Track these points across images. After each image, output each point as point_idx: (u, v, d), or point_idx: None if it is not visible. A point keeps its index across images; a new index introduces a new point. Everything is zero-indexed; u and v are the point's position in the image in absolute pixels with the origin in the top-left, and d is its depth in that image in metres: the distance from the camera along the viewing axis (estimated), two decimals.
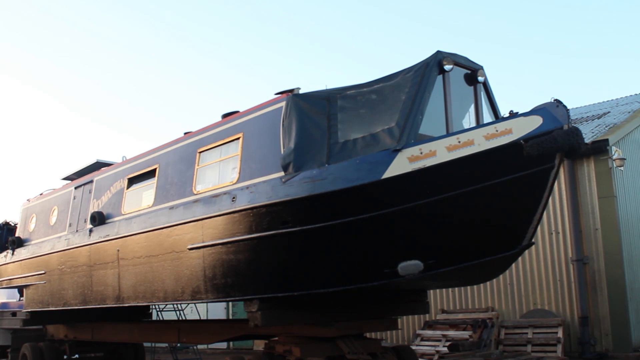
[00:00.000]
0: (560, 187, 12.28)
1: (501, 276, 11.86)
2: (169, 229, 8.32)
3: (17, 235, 13.29)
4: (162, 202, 8.79)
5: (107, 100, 50.26)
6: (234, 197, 7.33)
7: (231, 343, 16.58)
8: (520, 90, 48.91)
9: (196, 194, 8.16)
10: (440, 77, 6.84)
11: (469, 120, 7.28)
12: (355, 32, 51.83)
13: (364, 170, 6.22)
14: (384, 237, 6.30)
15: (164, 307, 13.10)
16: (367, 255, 6.49)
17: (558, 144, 5.59)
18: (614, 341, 11.61)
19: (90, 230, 10.29)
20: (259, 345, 13.51)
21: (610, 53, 48.07)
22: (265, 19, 50.27)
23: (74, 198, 11.48)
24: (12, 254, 12.92)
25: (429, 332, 12.99)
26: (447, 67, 6.82)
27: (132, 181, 9.97)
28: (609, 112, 15.75)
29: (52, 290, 11.29)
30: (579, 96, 54.58)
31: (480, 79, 7.31)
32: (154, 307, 12.85)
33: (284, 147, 7.02)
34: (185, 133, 9.26)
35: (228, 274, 7.37)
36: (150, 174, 9.42)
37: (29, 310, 12.17)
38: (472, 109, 7.34)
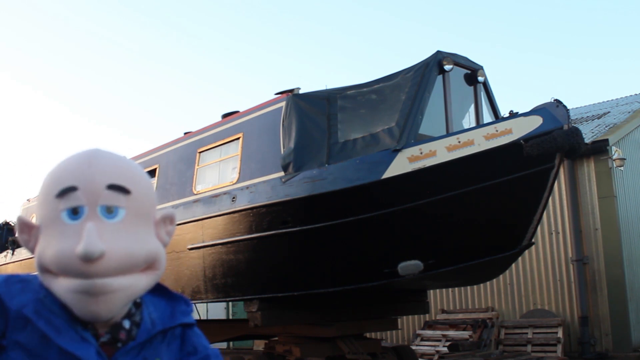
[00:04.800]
0: (560, 187, 12.27)
1: (501, 276, 11.85)
2: None
3: (17, 235, 13.30)
4: (162, 202, 8.79)
5: (107, 101, 50.29)
6: (234, 197, 7.34)
7: (231, 343, 16.58)
8: (520, 90, 48.91)
9: (196, 194, 8.16)
10: (440, 77, 6.84)
11: (469, 120, 7.28)
12: (355, 32, 51.85)
13: (364, 170, 6.23)
14: (383, 237, 6.30)
15: None
16: (367, 255, 6.49)
17: (558, 144, 5.59)
18: (614, 341, 11.61)
19: None
20: (259, 345, 13.51)
21: (611, 54, 48.08)
22: (265, 19, 50.28)
23: None
24: (12, 254, 12.93)
25: (429, 332, 12.98)
26: (447, 67, 6.82)
27: None
28: (609, 112, 15.74)
29: None
30: (579, 96, 54.59)
31: (480, 79, 7.31)
32: None
33: (284, 147, 7.02)
34: (185, 133, 9.27)
35: (228, 274, 7.38)
36: (150, 173, 9.42)
37: None
38: (472, 109, 7.34)
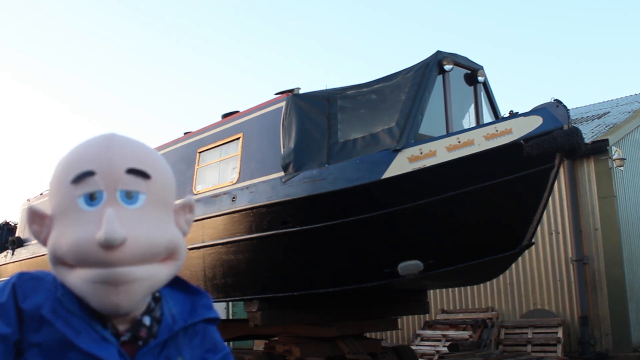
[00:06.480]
0: (560, 187, 12.27)
1: (501, 276, 11.85)
2: None
3: (17, 235, 13.29)
4: None
5: (107, 101, 50.29)
6: (234, 197, 7.34)
7: (231, 343, 16.59)
8: (520, 90, 48.90)
9: (196, 194, 8.16)
10: (440, 77, 6.84)
11: (469, 120, 7.28)
12: (355, 32, 51.85)
13: (364, 170, 6.22)
14: (384, 237, 6.30)
15: None
16: (367, 255, 6.49)
17: (558, 144, 5.59)
18: (614, 341, 11.61)
19: None
20: (259, 345, 13.51)
21: (611, 54, 48.09)
22: (265, 19, 50.28)
23: None
24: (12, 254, 12.92)
25: (429, 332, 12.99)
26: (447, 67, 6.82)
27: None
28: (609, 112, 15.74)
29: None
30: (579, 96, 54.58)
31: (480, 79, 7.30)
32: None
33: (284, 147, 7.02)
34: (185, 133, 9.26)
35: (228, 274, 7.37)
36: None
37: None
38: (472, 109, 7.34)
